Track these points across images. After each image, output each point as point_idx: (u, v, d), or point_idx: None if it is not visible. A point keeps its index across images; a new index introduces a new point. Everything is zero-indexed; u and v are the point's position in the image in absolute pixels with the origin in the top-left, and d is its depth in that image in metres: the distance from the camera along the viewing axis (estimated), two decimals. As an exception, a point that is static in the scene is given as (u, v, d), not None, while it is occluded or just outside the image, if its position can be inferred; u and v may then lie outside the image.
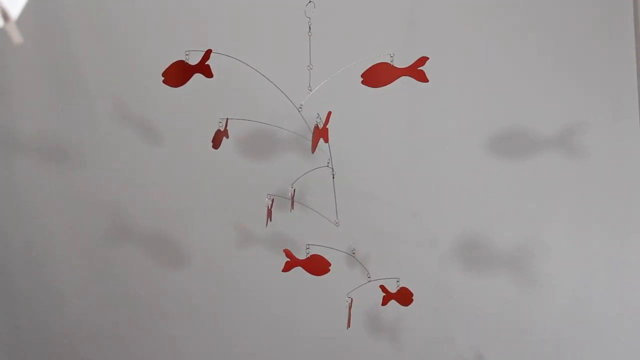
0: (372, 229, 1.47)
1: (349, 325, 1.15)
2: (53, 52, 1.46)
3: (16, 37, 1.39)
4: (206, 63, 0.99)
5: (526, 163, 1.43)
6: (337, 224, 1.14)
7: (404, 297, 1.16)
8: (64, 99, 1.49)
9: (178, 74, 0.98)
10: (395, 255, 1.48)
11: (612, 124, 1.41)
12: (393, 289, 1.16)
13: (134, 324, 1.59)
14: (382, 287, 1.15)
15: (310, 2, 1.01)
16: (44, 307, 1.59)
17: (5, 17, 1.48)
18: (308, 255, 1.11)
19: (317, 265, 1.11)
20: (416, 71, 1.02)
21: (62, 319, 1.59)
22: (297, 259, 1.11)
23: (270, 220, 1.15)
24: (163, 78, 0.98)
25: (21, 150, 1.51)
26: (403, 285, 1.15)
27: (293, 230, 1.44)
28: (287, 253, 1.10)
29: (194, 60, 0.99)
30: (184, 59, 0.98)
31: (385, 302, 1.15)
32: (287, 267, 1.11)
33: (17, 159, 1.51)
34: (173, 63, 0.97)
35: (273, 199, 1.17)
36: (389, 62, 1.01)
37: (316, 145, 0.97)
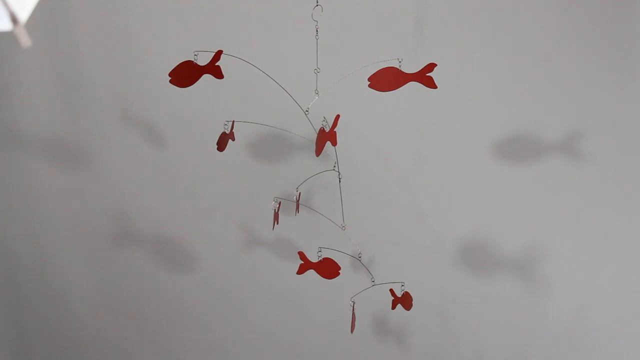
0: (379, 232, 1.46)
1: (352, 330, 1.14)
2: (61, 54, 1.45)
3: (25, 39, 1.39)
4: (216, 64, 0.98)
5: (532, 168, 1.42)
6: (343, 228, 1.13)
7: (406, 301, 1.16)
8: (70, 102, 1.48)
9: (186, 74, 0.97)
10: (401, 259, 1.47)
11: (617, 130, 1.40)
12: (398, 293, 1.16)
13: (139, 327, 1.59)
14: (392, 291, 1.14)
15: (317, 5, 1.00)
16: (49, 309, 1.58)
17: (14, 19, 1.48)
18: (320, 259, 1.10)
19: (328, 269, 1.10)
20: (425, 77, 1.02)
21: (67, 321, 1.59)
22: (311, 261, 1.10)
23: (277, 223, 1.15)
24: (169, 78, 0.97)
25: (27, 152, 1.50)
26: (406, 290, 1.15)
27: (299, 233, 1.44)
28: (302, 255, 1.10)
29: (201, 61, 0.98)
30: (192, 60, 0.97)
31: (394, 305, 1.15)
32: (302, 270, 1.11)
33: (23, 160, 1.51)
34: (181, 63, 0.97)
35: (280, 202, 1.16)
36: (397, 67, 1.00)
37: (322, 149, 0.96)
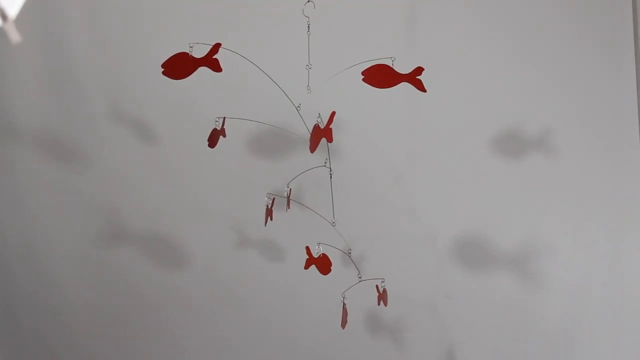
0: (371, 228, 1.45)
1: (343, 325, 1.14)
2: (51, 50, 1.43)
3: (14, 35, 1.38)
4: (214, 57, 0.95)
5: (525, 162, 1.42)
6: (333, 224, 1.13)
7: (384, 297, 1.15)
8: (62, 97, 1.46)
9: (180, 66, 0.94)
10: (393, 255, 1.47)
11: (611, 123, 1.40)
12: (389, 289, 1.16)
13: (134, 325, 1.57)
14: (377, 287, 1.14)
15: (309, 1, 0.99)
16: (44, 307, 1.57)
17: (3, 16, 1.47)
18: (319, 254, 1.10)
19: (323, 265, 1.10)
20: (415, 80, 1.01)
21: (62, 319, 1.57)
22: (314, 257, 1.10)
23: (272, 219, 1.14)
24: (162, 70, 0.94)
25: (18, 148, 1.48)
26: (385, 286, 1.15)
27: (290, 229, 1.43)
28: (308, 250, 1.10)
29: (195, 54, 0.96)
30: (187, 52, 0.94)
31: (379, 301, 1.15)
32: (308, 265, 1.11)
33: (15, 159, 1.49)
34: (174, 55, 0.94)
35: (274, 199, 1.15)
36: (390, 65, 1.00)
37: (317, 145, 0.96)
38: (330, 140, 0.96)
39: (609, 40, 1.37)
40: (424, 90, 1.01)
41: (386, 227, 1.47)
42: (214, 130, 1.06)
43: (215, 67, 0.96)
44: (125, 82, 1.45)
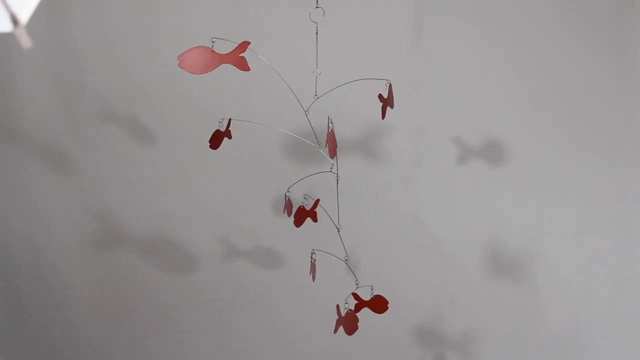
0: (376, 233, 1.44)
1: (350, 333, 1.12)
2: (61, 56, 1.42)
3: (25, 40, 1.38)
4: (241, 55, 0.90)
5: (528, 168, 1.40)
6: (338, 229, 1.12)
7: (378, 305, 1.11)
8: (70, 103, 1.45)
9: (200, 60, 0.90)
10: (399, 261, 1.46)
11: (615, 129, 1.38)
12: (389, 296, 1.14)
13: (140, 324, 1.57)
14: (355, 295, 1.11)
15: (317, 7, 0.98)
16: (50, 306, 1.57)
17: (15, 21, 1.47)
18: (313, 261, 1.09)
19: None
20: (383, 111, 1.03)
21: (68, 318, 1.57)
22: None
23: (315, 220, 1.08)
24: (179, 62, 0.89)
25: (25, 152, 1.47)
26: (375, 294, 1.11)
27: (291, 235, 1.42)
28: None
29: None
30: (209, 47, 0.90)
31: (357, 309, 1.10)
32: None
33: (20, 161, 1.48)
34: (195, 48, 0.89)
35: (319, 199, 1.09)
36: (388, 86, 1.00)
37: (333, 150, 0.95)
38: (326, 144, 0.95)
39: (614, 47, 1.36)
40: (382, 118, 1.03)
41: (391, 232, 1.46)
42: (217, 131, 1.05)
43: (243, 65, 0.91)
44: (133, 86, 1.44)
